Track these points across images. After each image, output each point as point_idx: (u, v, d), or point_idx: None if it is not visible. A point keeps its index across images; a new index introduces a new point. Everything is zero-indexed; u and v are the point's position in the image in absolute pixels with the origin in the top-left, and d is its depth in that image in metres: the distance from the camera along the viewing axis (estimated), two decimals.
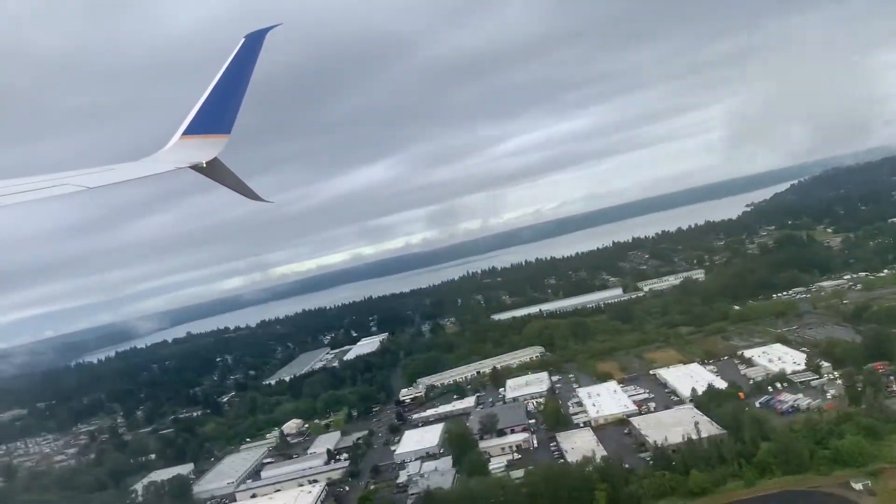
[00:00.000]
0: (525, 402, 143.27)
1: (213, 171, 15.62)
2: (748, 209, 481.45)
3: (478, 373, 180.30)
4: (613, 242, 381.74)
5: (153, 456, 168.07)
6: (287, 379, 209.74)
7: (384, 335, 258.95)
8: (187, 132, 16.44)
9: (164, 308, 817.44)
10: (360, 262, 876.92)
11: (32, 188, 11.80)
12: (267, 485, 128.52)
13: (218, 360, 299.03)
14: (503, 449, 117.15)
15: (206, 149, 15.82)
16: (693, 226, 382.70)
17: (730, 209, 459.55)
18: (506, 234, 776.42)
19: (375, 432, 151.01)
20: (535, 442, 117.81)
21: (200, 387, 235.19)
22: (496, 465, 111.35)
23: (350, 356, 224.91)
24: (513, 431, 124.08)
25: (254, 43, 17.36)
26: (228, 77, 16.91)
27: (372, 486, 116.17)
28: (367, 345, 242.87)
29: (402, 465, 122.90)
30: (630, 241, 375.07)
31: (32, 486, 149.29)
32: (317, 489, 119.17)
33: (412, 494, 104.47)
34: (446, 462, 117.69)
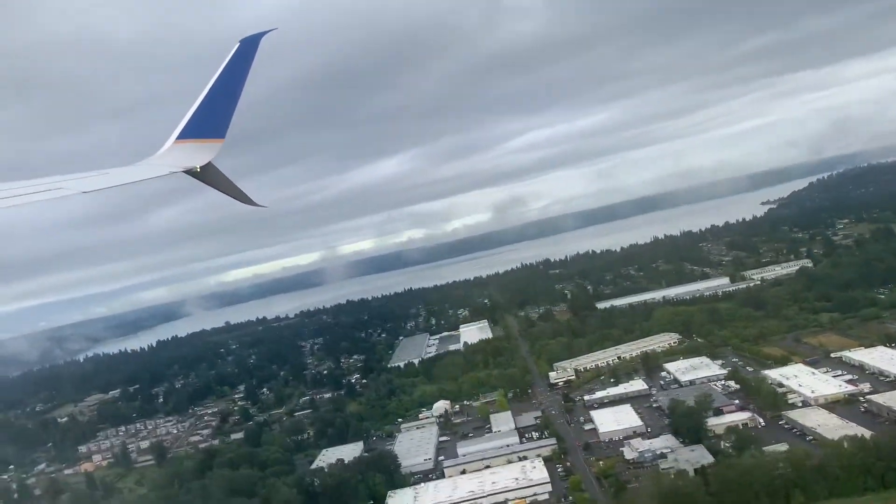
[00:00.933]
0: (704, 384, 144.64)
1: (208, 175, 15.69)
2: (771, 206, 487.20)
3: (619, 358, 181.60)
4: (681, 232, 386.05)
5: (306, 435, 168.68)
6: (415, 362, 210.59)
7: (481, 322, 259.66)
8: (182, 136, 16.44)
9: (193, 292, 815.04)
10: (386, 251, 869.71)
11: (28, 192, 11.82)
12: (473, 461, 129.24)
13: (301, 343, 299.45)
14: (728, 427, 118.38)
15: (201, 153, 15.82)
16: (743, 220, 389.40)
17: (746, 206, 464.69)
18: (537, 224, 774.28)
19: (546, 412, 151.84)
20: (761, 421, 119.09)
21: (314, 370, 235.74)
22: (727, 443, 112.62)
23: (465, 341, 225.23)
24: (724, 412, 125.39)
25: (249, 48, 17.34)
26: (223, 81, 16.91)
27: (601, 463, 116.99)
28: (474, 331, 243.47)
29: (619, 443, 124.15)
30: (697, 232, 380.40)
31: (204, 465, 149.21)
32: (538, 464, 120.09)
33: (666, 469, 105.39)
34: (666, 440, 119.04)
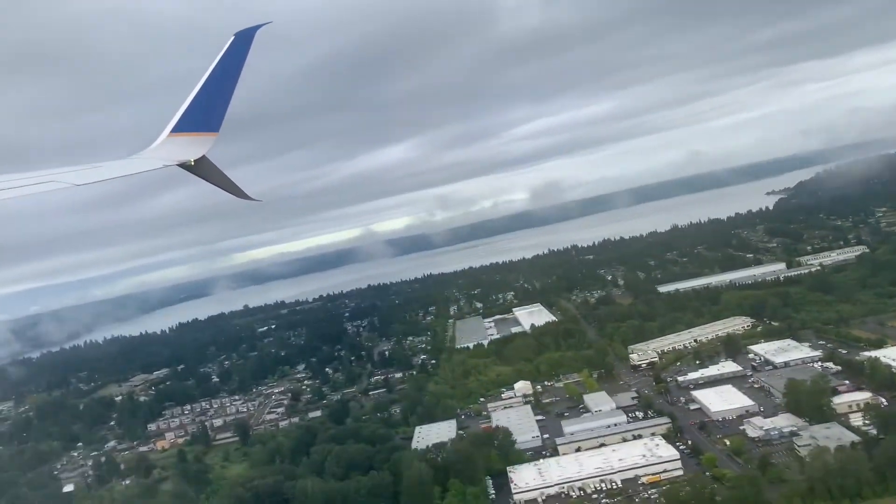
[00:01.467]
0: (801, 366, 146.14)
1: (202, 169, 15.83)
2: (780, 196, 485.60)
3: (695, 341, 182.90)
4: (708, 220, 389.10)
5: (390, 414, 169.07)
6: (483, 343, 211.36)
7: (534, 306, 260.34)
8: (176, 130, 16.50)
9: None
10: (390, 237, 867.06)
11: (20, 184, 11.88)
12: (587, 439, 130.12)
13: (347, 325, 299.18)
14: (850, 406, 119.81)
15: (195, 147, 15.93)
16: (767, 209, 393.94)
17: (751, 196, 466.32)
18: (540, 213, 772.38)
19: (641, 393, 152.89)
20: (883, 401, 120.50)
21: (373, 350, 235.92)
22: (855, 423, 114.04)
23: (531, 323, 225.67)
24: (840, 392, 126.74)
25: (243, 41, 17.33)
26: (217, 75, 16.92)
27: (727, 442, 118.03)
28: (531, 314, 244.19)
29: (735, 423, 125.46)
30: (724, 220, 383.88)
31: (304, 441, 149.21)
32: (660, 441, 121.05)
33: (802, 446, 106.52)
34: (788, 419, 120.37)
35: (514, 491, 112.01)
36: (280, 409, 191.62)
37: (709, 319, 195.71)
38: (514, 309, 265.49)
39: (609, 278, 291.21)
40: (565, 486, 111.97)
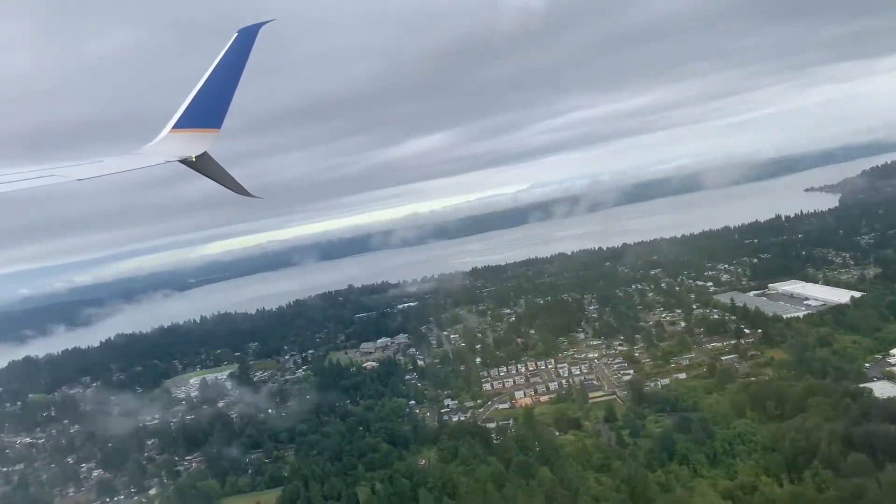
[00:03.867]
0: None
1: (203, 165, 15.15)
2: (822, 192, 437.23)
3: None
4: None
5: None
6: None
7: (795, 282, 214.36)
8: (177, 126, 15.90)
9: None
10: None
11: (19, 179, 11.92)
12: None
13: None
14: None
15: (196, 143, 15.47)
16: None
17: (788, 193, 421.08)
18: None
19: None
20: None
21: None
22: None
23: (821, 297, 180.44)
24: None
25: (246, 38, 16.63)
26: (220, 72, 16.17)
27: None
28: (807, 288, 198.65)
29: None
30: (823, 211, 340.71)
31: None
32: None
33: None
34: None
35: None
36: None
37: None
38: (778, 284, 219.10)
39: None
40: None
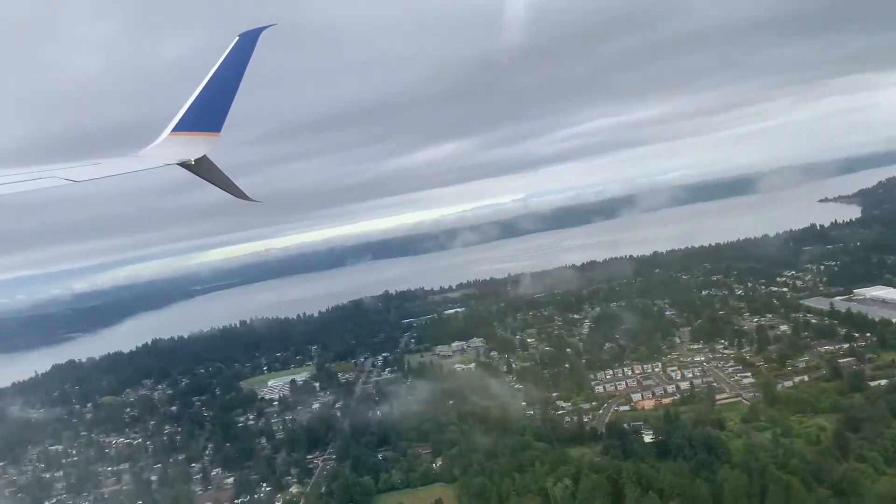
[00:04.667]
0: None
1: (202, 168, 15.27)
2: (839, 203, 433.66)
3: None
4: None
5: None
6: None
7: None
8: (177, 129, 16.05)
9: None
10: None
11: (16, 180, 11.86)
12: None
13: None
14: None
15: (196, 146, 15.54)
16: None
17: (803, 203, 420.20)
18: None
19: None
20: None
21: None
22: None
23: None
24: None
25: (247, 42, 16.83)
26: (220, 76, 16.34)
27: None
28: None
29: None
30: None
31: None
32: None
33: None
34: None
35: None
36: None
37: None
38: (855, 290, 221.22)
39: None
40: None
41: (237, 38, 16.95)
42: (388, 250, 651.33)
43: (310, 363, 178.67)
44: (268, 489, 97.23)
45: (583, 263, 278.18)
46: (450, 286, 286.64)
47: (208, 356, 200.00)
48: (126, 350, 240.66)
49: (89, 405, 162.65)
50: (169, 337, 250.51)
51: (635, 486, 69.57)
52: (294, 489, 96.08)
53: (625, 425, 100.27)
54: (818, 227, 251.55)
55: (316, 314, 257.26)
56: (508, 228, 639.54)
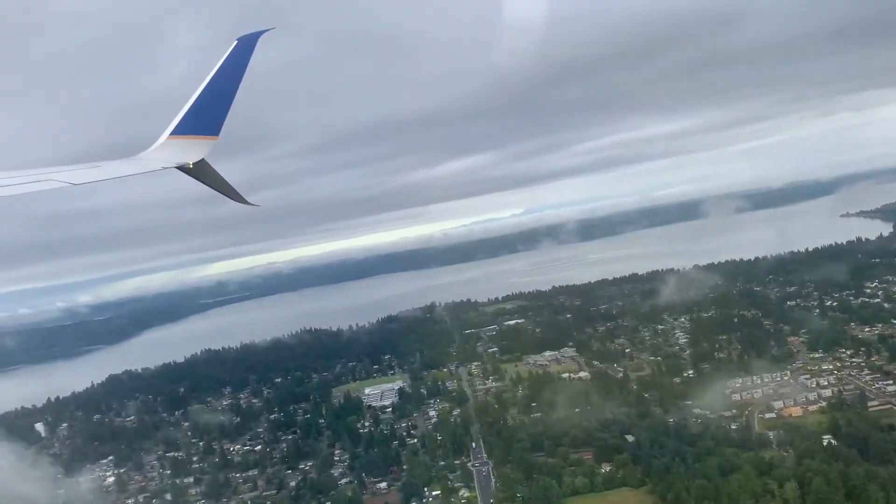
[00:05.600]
0: None
1: (200, 172, 15.22)
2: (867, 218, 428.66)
3: None
4: None
5: None
6: None
7: None
8: (175, 132, 15.98)
9: None
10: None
11: (13, 182, 11.59)
12: None
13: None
14: None
15: (194, 149, 15.54)
16: None
17: (821, 218, 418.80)
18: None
19: None
20: None
21: None
22: None
23: None
24: None
25: (246, 46, 16.87)
26: (219, 79, 16.33)
27: None
28: None
29: None
30: None
31: None
32: None
33: None
34: None
35: None
36: None
37: None
38: None
39: None
40: None
41: (236, 41, 16.86)
42: (398, 263, 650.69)
43: (392, 372, 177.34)
44: (434, 493, 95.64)
45: (623, 276, 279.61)
46: (495, 298, 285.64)
47: (276, 366, 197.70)
48: (178, 359, 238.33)
49: (177, 413, 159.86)
50: (220, 347, 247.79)
51: (879, 490, 69.30)
52: (464, 493, 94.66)
53: (771, 432, 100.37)
54: (862, 241, 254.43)
55: (367, 325, 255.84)
56: (523, 241, 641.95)
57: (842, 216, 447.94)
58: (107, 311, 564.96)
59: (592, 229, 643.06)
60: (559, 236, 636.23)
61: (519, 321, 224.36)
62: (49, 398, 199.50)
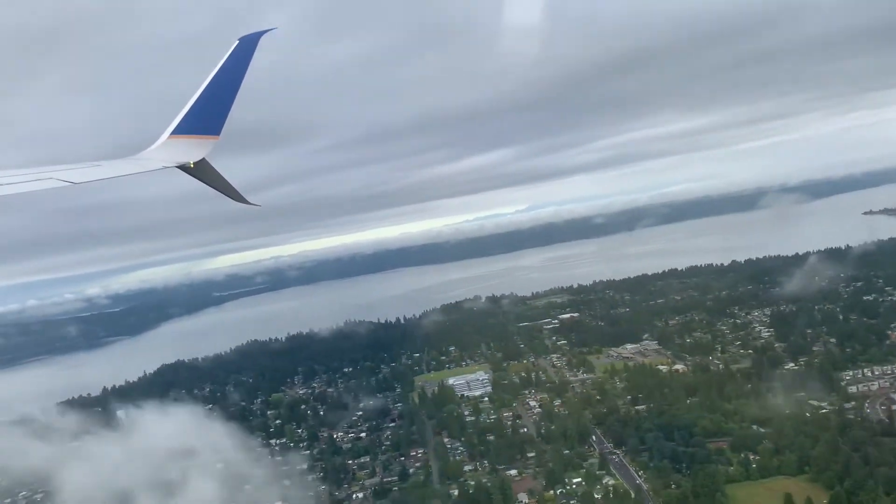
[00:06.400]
0: None
1: (201, 171, 15.27)
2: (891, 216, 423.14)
3: None
4: None
5: None
6: None
7: None
8: (176, 132, 15.98)
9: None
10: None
11: (13, 181, 11.62)
12: None
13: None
14: None
15: (195, 149, 15.58)
16: None
17: (845, 216, 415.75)
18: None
19: None
20: None
21: None
22: None
23: None
24: None
25: (247, 46, 16.84)
26: (220, 79, 16.32)
27: None
28: None
29: None
30: None
31: None
32: None
33: None
34: None
35: None
36: None
37: None
38: None
39: None
40: None
41: (237, 41, 16.88)
42: (412, 258, 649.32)
43: (465, 363, 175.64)
44: (576, 480, 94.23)
45: (662, 272, 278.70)
46: (540, 291, 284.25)
47: (338, 356, 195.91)
48: (225, 350, 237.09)
49: (257, 402, 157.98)
50: (268, 338, 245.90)
51: None
52: (608, 480, 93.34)
53: None
54: None
55: (416, 316, 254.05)
56: (533, 237, 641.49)
57: (865, 213, 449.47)
58: (121, 303, 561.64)
59: (602, 226, 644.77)
60: (569, 232, 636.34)
61: (574, 315, 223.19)
62: (104, 387, 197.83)
